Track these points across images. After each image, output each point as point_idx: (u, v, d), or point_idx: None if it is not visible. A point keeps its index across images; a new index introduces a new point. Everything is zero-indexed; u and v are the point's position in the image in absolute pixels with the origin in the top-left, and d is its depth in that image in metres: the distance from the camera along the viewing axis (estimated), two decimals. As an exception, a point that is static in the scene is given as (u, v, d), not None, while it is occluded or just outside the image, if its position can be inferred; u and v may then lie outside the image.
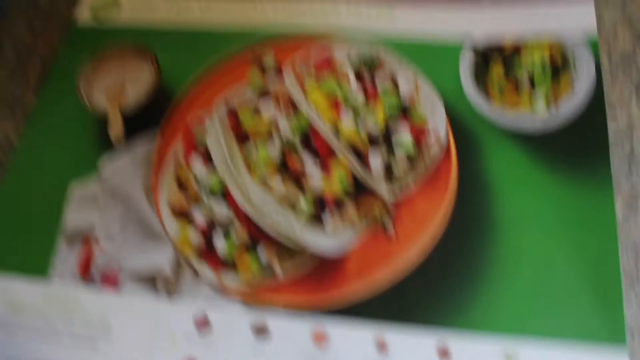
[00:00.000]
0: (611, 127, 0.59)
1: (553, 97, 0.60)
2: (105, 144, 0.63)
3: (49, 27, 0.74)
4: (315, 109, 0.60)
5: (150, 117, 0.65)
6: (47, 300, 0.57)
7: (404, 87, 0.61)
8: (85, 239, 0.60)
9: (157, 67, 0.66)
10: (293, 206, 0.57)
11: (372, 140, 0.59)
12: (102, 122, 0.64)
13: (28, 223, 0.61)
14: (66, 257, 0.59)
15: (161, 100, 0.65)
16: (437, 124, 0.60)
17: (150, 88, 0.65)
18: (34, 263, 0.59)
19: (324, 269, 0.56)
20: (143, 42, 0.69)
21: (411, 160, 0.59)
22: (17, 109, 0.68)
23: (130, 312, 0.56)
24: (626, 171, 0.57)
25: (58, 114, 0.67)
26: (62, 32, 0.73)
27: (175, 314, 0.55)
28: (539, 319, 0.52)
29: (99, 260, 0.58)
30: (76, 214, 0.61)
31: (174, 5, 0.72)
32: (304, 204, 0.57)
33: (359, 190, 0.58)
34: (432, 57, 0.64)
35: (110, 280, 0.57)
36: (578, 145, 0.58)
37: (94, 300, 0.57)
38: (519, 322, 0.52)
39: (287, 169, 0.59)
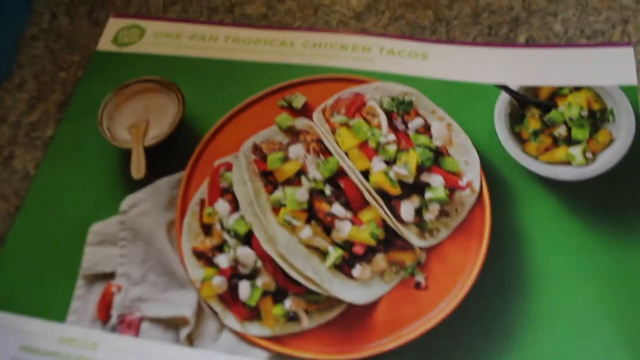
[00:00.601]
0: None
1: (591, 148, 0.59)
2: (127, 179, 0.62)
3: (71, 55, 0.73)
4: (345, 154, 0.58)
5: (173, 150, 0.63)
6: (64, 344, 0.55)
7: (437, 133, 0.60)
8: (104, 282, 0.57)
9: (182, 99, 0.65)
10: (320, 252, 0.56)
11: (404, 187, 0.57)
12: (124, 156, 0.63)
13: (45, 261, 0.59)
14: (84, 300, 0.57)
15: (184, 132, 0.64)
16: (471, 171, 0.59)
17: (175, 121, 0.64)
18: (50, 305, 0.57)
19: (351, 319, 0.54)
20: (166, 70, 0.68)
21: (443, 207, 0.57)
22: (37, 140, 0.67)
23: (150, 358, 0.54)
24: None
25: (78, 145, 0.65)
26: (84, 60, 0.72)
27: (197, 363, 0.53)
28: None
29: (119, 303, 0.56)
30: (96, 254, 0.59)
31: (200, 43, 0.70)
32: (332, 250, 0.55)
33: (390, 238, 0.56)
34: (465, 102, 0.63)
35: (129, 325, 0.55)
36: (616, 197, 0.57)
37: (112, 344, 0.55)
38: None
39: (316, 214, 0.57)
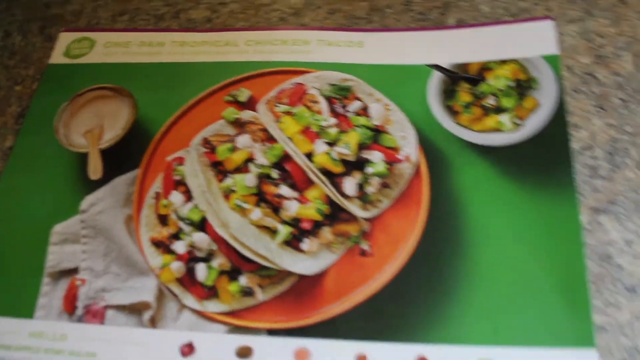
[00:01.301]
0: (574, 138, 0.61)
1: (519, 115, 0.62)
2: (85, 181, 0.65)
3: (26, 69, 0.76)
4: (289, 139, 0.62)
5: (127, 151, 0.66)
6: (33, 338, 0.57)
7: (375, 114, 0.63)
8: (69, 277, 0.60)
9: (134, 103, 0.68)
10: (271, 231, 0.59)
11: (346, 165, 0.60)
12: (81, 160, 0.66)
13: (11, 264, 0.62)
14: (51, 296, 0.60)
15: (138, 134, 0.67)
16: (408, 145, 0.62)
17: (128, 124, 0.67)
18: (18, 304, 0.60)
19: (302, 289, 0.58)
20: (117, 77, 0.71)
21: (384, 180, 0.60)
22: (-4, 151, 0.70)
23: (116, 343, 0.57)
24: (588, 181, 0.59)
25: (37, 153, 0.68)
26: (38, 74, 0.75)
27: (161, 343, 0.56)
28: (512, 328, 0.53)
29: (84, 295, 0.59)
30: (59, 253, 0.62)
31: (148, 49, 0.73)
32: (281, 228, 0.58)
33: (335, 212, 0.60)
34: (401, 83, 0.66)
35: (95, 314, 0.58)
36: (543, 157, 0.60)
37: (79, 334, 0.57)
38: (494, 332, 0.53)
39: (264, 197, 0.60)
